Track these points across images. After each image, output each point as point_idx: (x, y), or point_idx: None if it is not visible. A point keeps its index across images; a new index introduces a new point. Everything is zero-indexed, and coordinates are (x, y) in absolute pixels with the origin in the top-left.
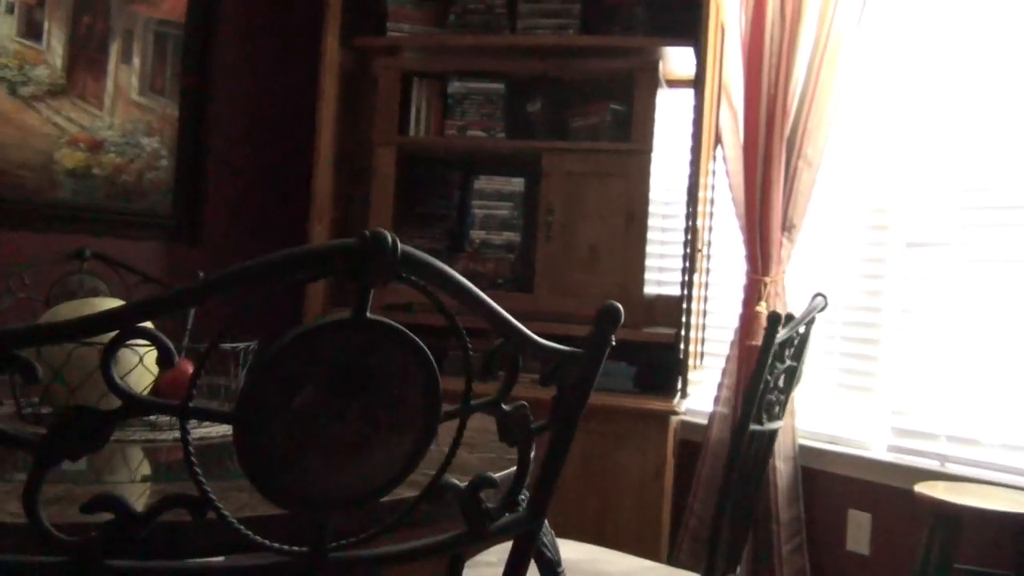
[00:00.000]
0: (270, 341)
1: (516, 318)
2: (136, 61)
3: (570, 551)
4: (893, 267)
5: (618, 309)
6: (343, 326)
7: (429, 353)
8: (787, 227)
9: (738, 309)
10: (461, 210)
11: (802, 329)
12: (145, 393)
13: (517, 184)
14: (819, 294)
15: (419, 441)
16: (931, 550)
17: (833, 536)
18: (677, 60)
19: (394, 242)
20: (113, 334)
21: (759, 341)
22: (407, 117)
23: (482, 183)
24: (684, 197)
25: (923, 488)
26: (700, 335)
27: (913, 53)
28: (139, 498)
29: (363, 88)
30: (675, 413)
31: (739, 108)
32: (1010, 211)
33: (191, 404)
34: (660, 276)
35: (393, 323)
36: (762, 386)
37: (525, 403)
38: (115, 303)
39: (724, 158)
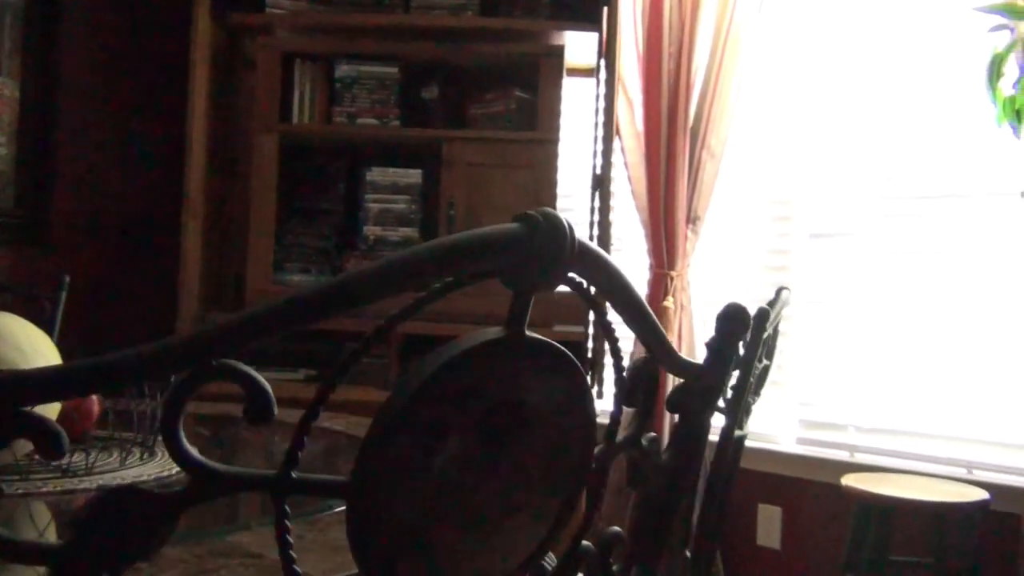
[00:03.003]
0: (404, 380)
1: (419, 320)
2: None
3: None
4: (797, 258)
5: (743, 310)
6: (498, 348)
7: (588, 381)
8: (692, 219)
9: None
10: (350, 204)
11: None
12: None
13: (414, 176)
14: (784, 287)
15: (569, 500)
16: (860, 543)
17: (743, 531)
18: (573, 48)
19: (571, 230)
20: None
21: (669, 336)
22: (289, 103)
23: (376, 175)
24: (580, 190)
25: (851, 480)
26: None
27: (815, 42)
28: None
29: (239, 70)
30: None
31: (635, 98)
32: (913, 201)
33: (294, 475)
34: None
35: (551, 341)
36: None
37: (656, 435)
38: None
39: (622, 149)
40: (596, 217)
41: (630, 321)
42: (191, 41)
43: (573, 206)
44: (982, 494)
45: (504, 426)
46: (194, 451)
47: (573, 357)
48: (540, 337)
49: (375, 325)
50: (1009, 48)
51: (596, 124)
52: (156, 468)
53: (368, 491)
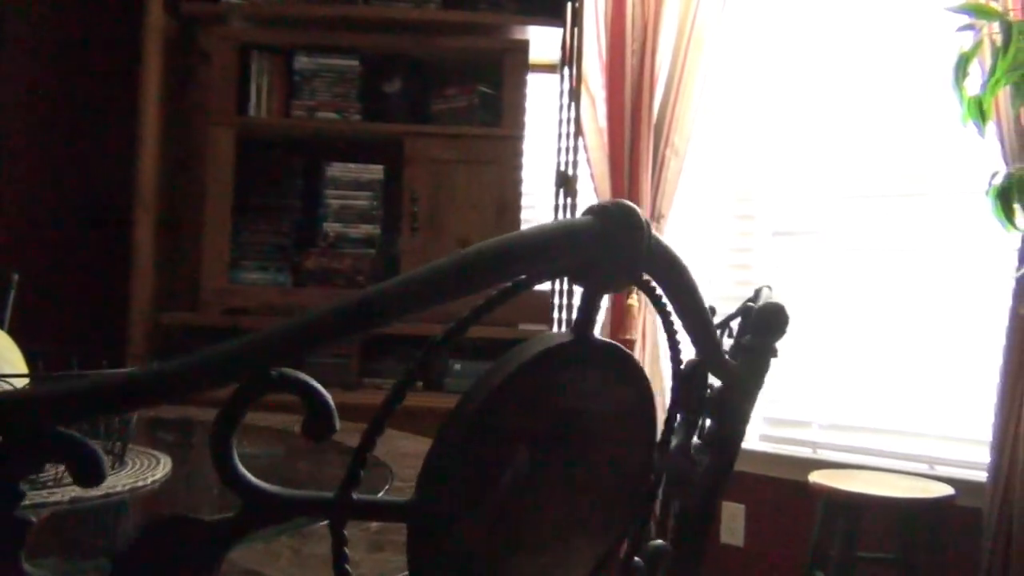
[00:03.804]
0: (472, 389)
1: None
2: None
3: None
4: (760, 256)
5: (781, 308)
6: (567, 353)
7: (650, 386)
8: (656, 217)
9: (605, 303)
10: (309, 200)
11: None
12: None
13: (376, 172)
14: (766, 285)
15: (630, 513)
16: (826, 539)
17: None
18: (535, 44)
19: (647, 224)
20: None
21: (632, 335)
22: (246, 96)
23: (336, 170)
24: (541, 188)
25: (817, 477)
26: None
27: (778, 40)
28: None
29: (193, 63)
30: None
31: (597, 95)
32: (875, 199)
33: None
34: None
35: (618, 344)
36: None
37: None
38: None
39: (585, 147)
40: (561, 215)
41: (690, 324)
42: (143, 31)
43: (535, 203)
44: (947, 489)
45: (573, 436)
46: (248, 474)
47: (638, 361)
48: (608, 341)
49: (445, 329)
50: (975, 48)
51: (560, 121)
52: (129, 478)
53: (433, 511)
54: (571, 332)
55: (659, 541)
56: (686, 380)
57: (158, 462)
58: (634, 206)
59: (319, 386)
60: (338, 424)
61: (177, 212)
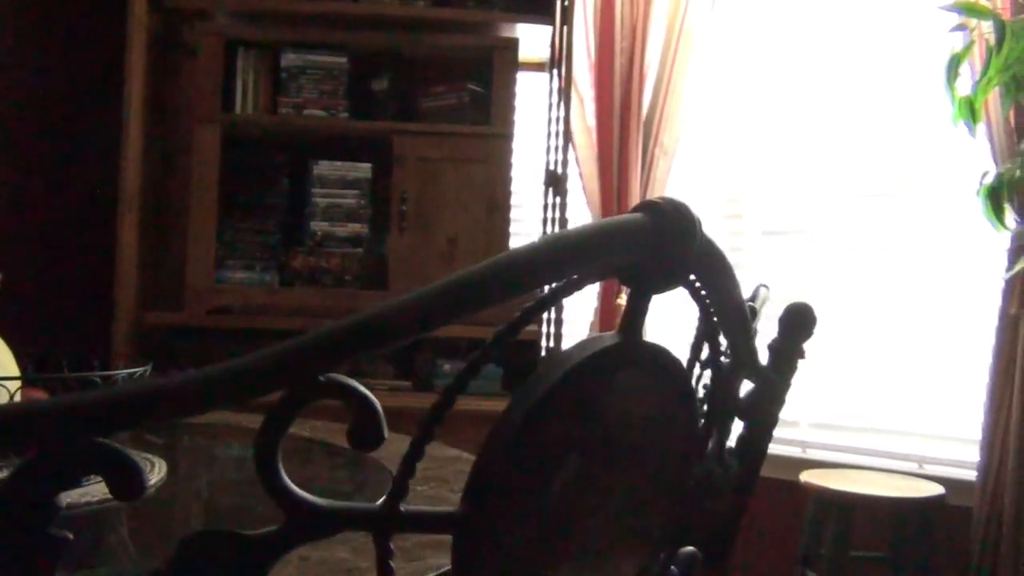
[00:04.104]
0: (520, 395)
1: None
2: None
3: None
4: (750, 256)
5: (809, 309)
6: (615, 356)
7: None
8: None
9: (593, 302)
10: (295, 199)
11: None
12: None
13: (364, 170)
14: (762, 284)
15: (673, 520)
16: (817, 539)
17: None
18: (523, 42)
19: (700, 222)
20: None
21: None
22: (232, 92)
23: (323, 169)
24: (529, 187)
25: (809, 477)
26: (561, 331)
27: (768, 40)
28: None
29: (177, 58)
30: None
31: (585, 94)
32: (865, 199)
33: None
34: None
35: (663, 347)
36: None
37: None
38: None
39: (573, 146)
40: (551, 214)
41: (729, 327)
42: (127, 26)
43: (522, 203)
44: (937, 488)
45: (620, 441)
46: (293, 485)
47: (682, 364)
48: (655, 343)
49: (496, 331)
50: (967, 48)
51: (549, 119)
52: (102, 486)
53: (482, 522)
54: (618, 335)
55: (690, 548)
56: (725, 384)
57: (153, 466)
58: (685, 203)
59: (368, 392)
60: (386, 433)
61: (162, 210)
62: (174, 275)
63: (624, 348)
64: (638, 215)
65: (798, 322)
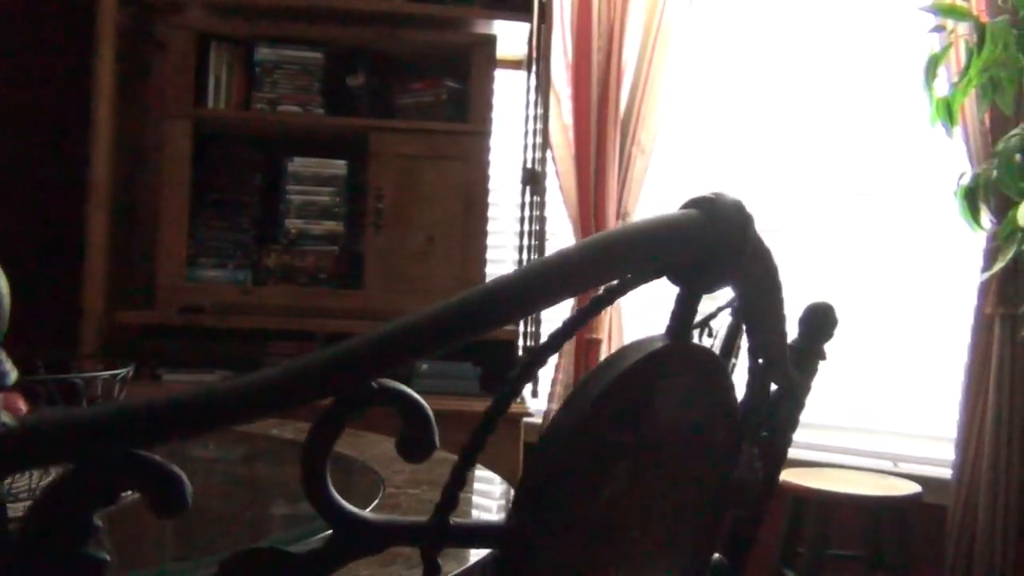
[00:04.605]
0: (570, 401)
1: (345, 317)
2: None
3: None
4: None
5: (830, 308)
6: (665, 359)
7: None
8: (622, 215)
9: (570, 300)
10: (269, 196)
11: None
12: None
13: (339, 167)
14: None
15: (712, 528)
16: (796, 537)
17: None
18: (501, 40)
19: (751, 218)
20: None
21: (598, 334)
22: (204, 87)
23: (298, 165)
24: (505, 185)
25: (787, 476)
26: (539, 330)
27: (747, 38)
28: None
29: (148, 52)
30: (527, 415)
31: (562, 92)
32: (843, 198)
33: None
34: (488, 268)
35: (710, 348)
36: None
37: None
38: None
39: (549, 144)
40: (528, 213)
41: (767, 328)
42: (96, 19)
43: (498, 201)
44: (914, 487)
45: (668, 447)
46: (342, 500)
47: (725, 366)
48: (702, 345)
49: (551, 333)
50: (945, 50)
51: (527, 117)
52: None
53: (532, 534)
54: (667, 337)
55: (716, 555)
56: (761, 388)
57: None
58: (736, 198)
59: (423, 400)
60: (438, 443)
61: (132, 207)
62: (145, 273)
63: (674, 352)
64: (692, 211)
65: (819, 322)
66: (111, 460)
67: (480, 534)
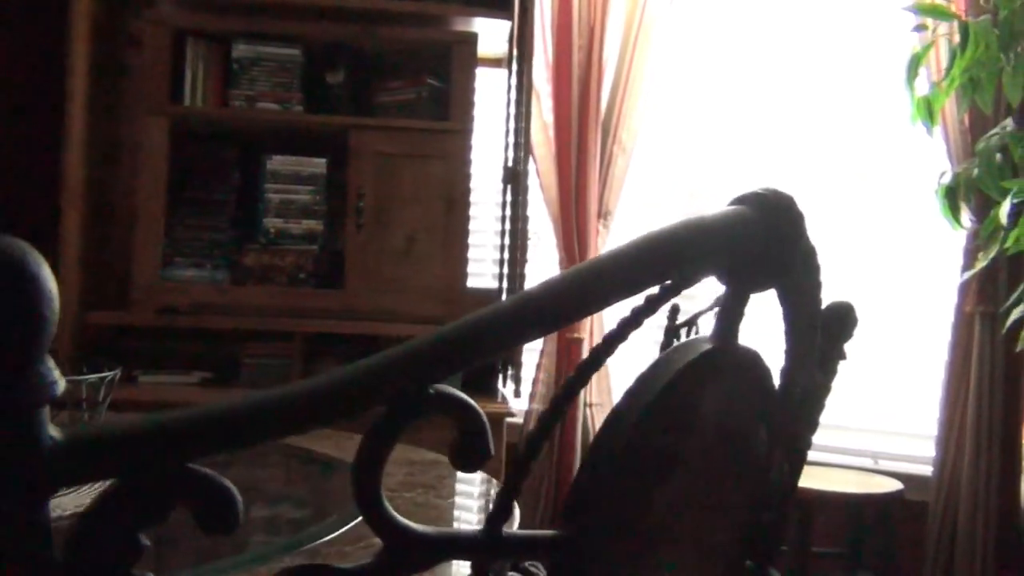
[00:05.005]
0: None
1: (325, 317)
2: None
3: None
4: None
5: (850, 308)
6: (713, 362)
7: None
8: (603, 214)
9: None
10: (247, 194)
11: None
12: None
13: (319, 165)
14: None
15: (752, 535)
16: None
17: None
18: (481, 37)
19: (803, 216)
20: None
21: (580, 334)
22: (181, 84)
23: (277, 164)
24: (487, 183)
25: None
26: None
27: (727, 37)
28: None
29: (122, 47)
30: (510, 415)
31: (542, 89)
32: (824, 196)
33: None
34: (472, 268)
35: (759, 352)
36: None
37: None
38: None
39: (529, 142)
40: (510, 211)
41: (805, 329)
42: (69, 15)
43: (478, 200)
44: (896, 484)
45: (717, 452)
46: (395, 513)
47: (770, 368)
48: (749, 347)
49: (606, 335)
50: (926, 49)
51: (508, 116)
52: (72, 500)
53: (586, 544)
54: (714, 339)
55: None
56: (793, 389)
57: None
58: (788, 194)
59: (479, 407)
60: (492, 452)
61: (107, 206)
62: (120, 273)
63: (722, 354)
64: (743, 208)
65: (840, 322)
66: (161, 474)
67: (533, 545)
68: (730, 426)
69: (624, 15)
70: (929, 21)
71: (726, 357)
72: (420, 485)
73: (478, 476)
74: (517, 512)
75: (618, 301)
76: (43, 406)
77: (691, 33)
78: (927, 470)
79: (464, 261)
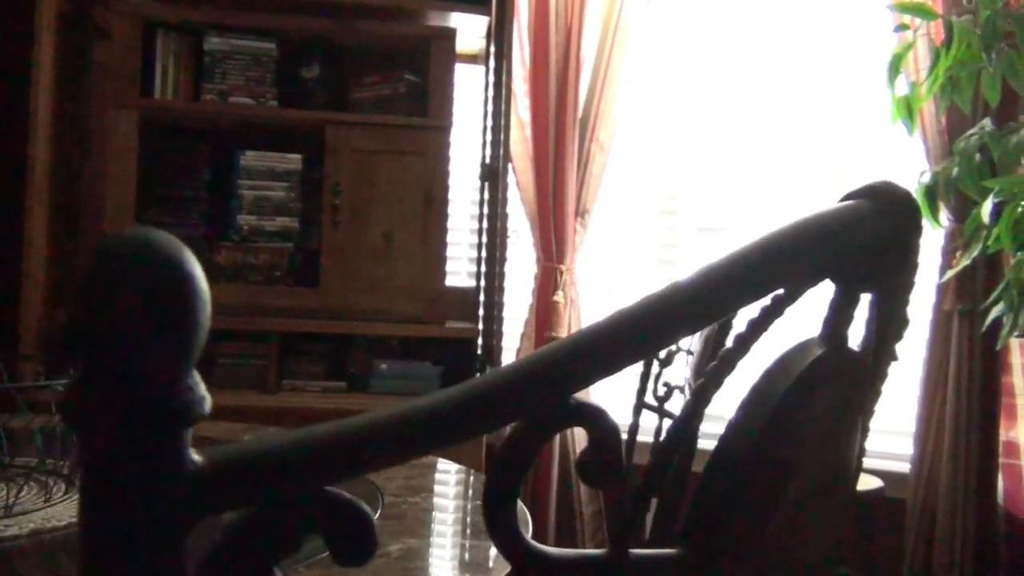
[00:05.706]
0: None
1: (301, 316)
2: None
3: None
4: (685, 252)
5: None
6: (823, 369)
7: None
8: (580, 212)
9: (528, 299)
10: (220, 191)
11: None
12: None
13: (294, 161)
14: None
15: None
16: None
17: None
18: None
19: (920, 210)
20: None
21: (559, 332)
22: (151, 77)
23: (250, 159)
24: (463, 180)
25: None
26: (500, 329)
27: (704, 37)
28: None
29: (89, 39)
30: None
31: (518, 87)
32: (800, 196)
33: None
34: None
35: (858, 351)
36: None
37: None
38: None
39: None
40: (487, 209)
41: (888, 328)
42: (35, 5)
43: (455, 198)
44: (876, 482)
45: (824, 462)
46: (527, 536)
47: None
48: (857, 351)
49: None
50: (907, 48)
51: (486, 113)
52: (66, 506)
53: (709, 563)
54: (824, 343)
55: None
56: (876, 393)
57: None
58: (904, 187)
59: (615, 420)
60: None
61: (74, 201)
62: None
63: (833, 360)
64: (861, 203)
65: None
66: (302, 499)
67: (659, 564)
68: (837, 431)
69: (601, 14)
70: (909, 20)
71: (838, 363)
72: (423, 489)
73: (476, 476)
74: (528, 519)
75: (752, 301)
76: (193, 425)
77: (670, 30)
78: (906, 467)
79: (443, 259)
